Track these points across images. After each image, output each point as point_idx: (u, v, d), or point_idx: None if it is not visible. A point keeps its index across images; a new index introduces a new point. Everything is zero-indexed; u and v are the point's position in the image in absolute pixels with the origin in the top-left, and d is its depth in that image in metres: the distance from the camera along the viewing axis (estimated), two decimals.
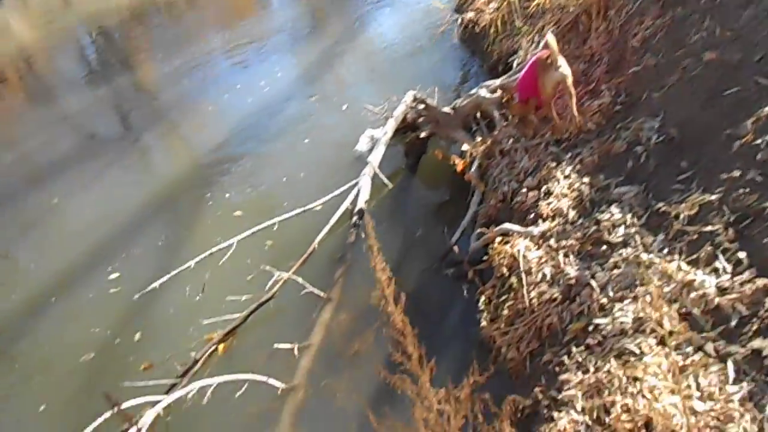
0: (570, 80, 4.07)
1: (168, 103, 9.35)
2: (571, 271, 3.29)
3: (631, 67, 4.21)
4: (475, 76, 7.31)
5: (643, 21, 4.33)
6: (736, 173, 2.99)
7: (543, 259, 3.48)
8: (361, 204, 5.18)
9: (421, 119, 5.54)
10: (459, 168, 4.53)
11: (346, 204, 5.20)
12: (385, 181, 5.33)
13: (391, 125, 5.77)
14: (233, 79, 9.34)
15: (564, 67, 4.05)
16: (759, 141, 2.96)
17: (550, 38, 3.98)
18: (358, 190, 5.28)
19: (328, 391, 3.81)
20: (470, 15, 7.92)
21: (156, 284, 4.73)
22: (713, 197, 3.00)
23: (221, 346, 4.35)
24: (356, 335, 4.29)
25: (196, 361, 4.22)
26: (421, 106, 5.46)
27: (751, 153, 2.98)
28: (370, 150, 5.83)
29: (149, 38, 12.93)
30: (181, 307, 4.83)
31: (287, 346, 4.13)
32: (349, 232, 5.00)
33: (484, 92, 5.08)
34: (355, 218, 5.08)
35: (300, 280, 4.43)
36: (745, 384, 2.29)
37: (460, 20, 8.04)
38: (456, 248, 4.19)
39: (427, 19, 9.00)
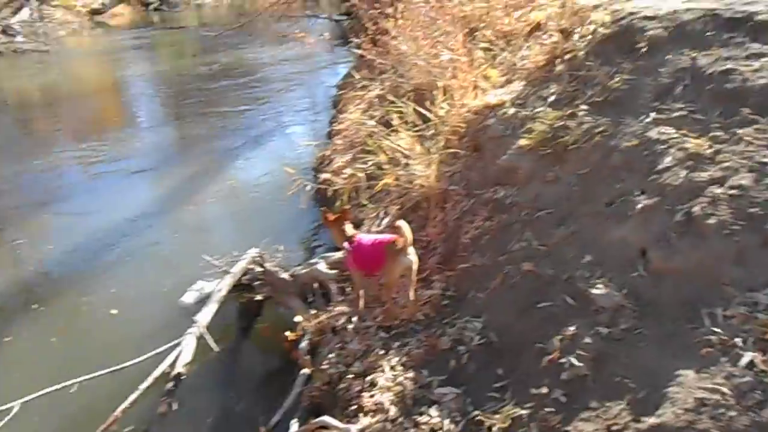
0: (415, 268, 4.17)
1: (5, 210, 8.34)
2: None
3: (460, 262, 4.43)
4: (326, 238, 7.40)
5: (473, 220, 4.67)
6: (544, 390, 3.09)
7: None
8: (179, 368, 4.71)
9: (258, 282, 5.35)
10: (288, 345, 4.32)
11: (164, 366, 4.70)
12: (212, 344, 4.94)
13: (227, 282, 5.51)
14: (78, 196, 8.68)
15: (412, 255, 4.16)
16: (563, 360, 3.12)
17: (403, 225, 4.11)
18: (180, 352, 4.83)
19: None
20: (326, 176, 8.19)
21: None
22: (523, 412, 3.06)
23: None
24: None
25: None
26: (260, 269, 5.29)
27: (557, 371, 3.12)
28: (198, 302, 5.48)
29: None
30: None
31: None
32: (160, 401, 4.46)
33: (322, 266, 5.07)
34: (170, 384, 4.58)
35: None
36: None
37: (316, 179, 8.27)
38: None
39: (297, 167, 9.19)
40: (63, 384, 4.34)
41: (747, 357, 2.51)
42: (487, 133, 5.21)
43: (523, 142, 4.67)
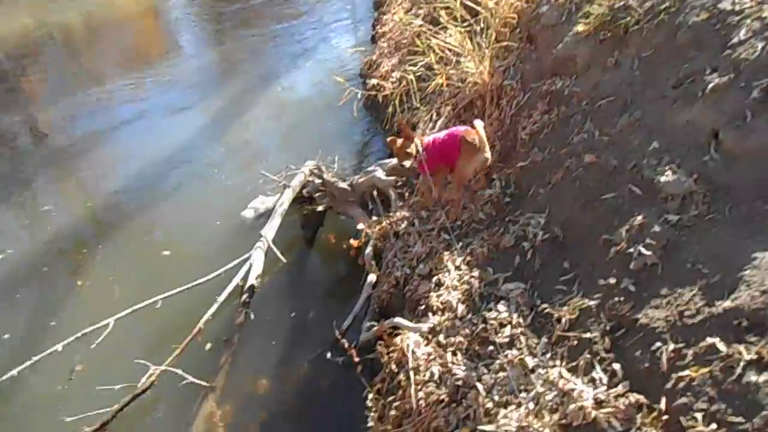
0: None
1: (63, 146, 8.67)
2: (459, 371, 3.25)
3: (520, 159, 4.36)
4: (378, 144, 7.39)
5: (531, 114, 4.53)
6: (612, 280, 3.10)
7: (432, 357, 3.43)
8: (252, 280, 4.97)
9: (318, 193, 5.45)
10: (353, 251, 4.45)
11: (237, 280, 4.97)
12: (279, 256, 5.15)
13: (287, 196, 5.66)
14: (134, 126, 8.89)
15: (487, 153, 4.17)
16: (631, 250, 3.09)
17: (479, 123, 4.10)
18: (250, 265, 5.08)
19: None
20: (373, 81, 8.05)
21: (14, 371, 4.22)
22: (592, 303, 3.09)
23: None
24: (241, 428, 4.04)
25: None
26: (318, 180, 5.38)
27: (625, 261, 3.10)
28: (258, 218, 5.68)
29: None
30: (42, 399, 4.34)
31: None
32: (237, 312, 4.75)
33: (380, 173, 5.10)
34: (245, 296, 4.86)
35: (179, 372, 4.10)
36: None
37: (364, 86, 8.14)
38: (346, 337, 4.07)
39: (345, 75, 9.07)
40: (148, 300, 4.67)
41: None
42: (541, 22, 4.94)
43: (579, 27, 4.42)
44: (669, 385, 2.48)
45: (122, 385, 4.14)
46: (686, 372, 2.45)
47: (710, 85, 3.32)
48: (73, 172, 7.80)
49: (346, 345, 3.69)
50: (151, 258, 5.76)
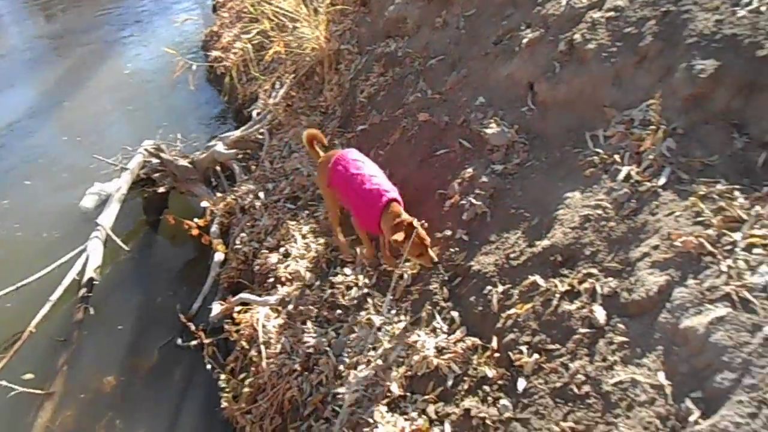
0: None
1: None
2: (310, 339, 3.23)
3: (359, 123, 4.37)
4: (222, 118, 7.08)
5: (368, 78, 4.55)
6: (448, 232, 3.21)
7: (282, 328, 3.37)
8: (90, 273, 4.58)
9: (157, 174, 5.12)
10: (195, 232, 4.22)
11: (73, 274, 4.55)
12: (120, 244, 4.78)
13: (125, 180, 5.26)
14: None
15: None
16: (463, 201, 3.22)
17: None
18: (87, 257, 4.67)
19: None
20: (216, 54, 7.67)
21: None
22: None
23: None
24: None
25: None
26: (156, 160, 5.04)
27: (458, 213, 3.23)
28: (100, 206, 5.24)
29: None
30: None
31: None
32: (75, 309, 4.36)
33: (220, 147, 4.88)
34: (83, 291, 4.46)
35: (3, 383, 3.68)
36: None
37: (207, 59, 7.74)
38: (197, 319, 3.89)
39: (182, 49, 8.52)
40: None
41: (624, 171, 2.66)
42: None
43: None
44: (499, 325, 2.63)
45: None
46: (513, 310, 2.61)
47: (525, 41, 3.50)
48: None
49: (193, 327, 3.52)
50: None
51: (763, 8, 2.55)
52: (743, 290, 1.97)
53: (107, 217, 4.96)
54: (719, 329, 1.95)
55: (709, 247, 2.15)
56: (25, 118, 7.50)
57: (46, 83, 8.40)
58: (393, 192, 3.11)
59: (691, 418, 1.88)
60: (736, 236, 2.14)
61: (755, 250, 2.06)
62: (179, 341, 4.04)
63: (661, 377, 2.03)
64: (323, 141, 3.66)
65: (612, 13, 3.11)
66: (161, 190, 5.16)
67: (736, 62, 2.52)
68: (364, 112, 4.40)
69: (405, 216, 2.94)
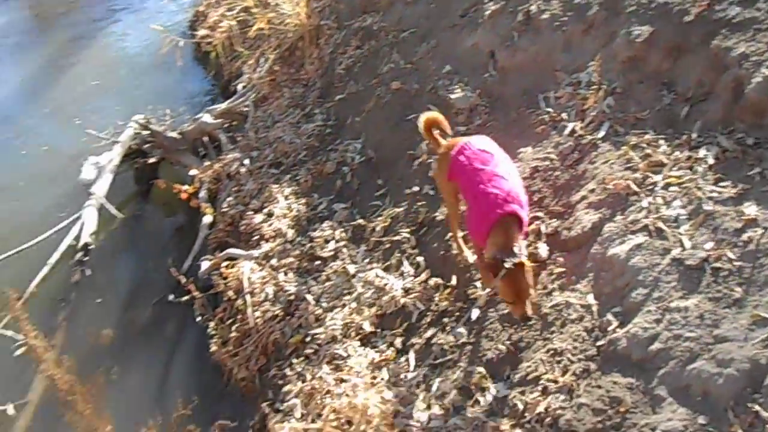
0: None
1: None
2: (291, 287, 3.53)
3: (338, 93, 4.64)
4: (210, 95, 7.30)
5: (346, 51, 4.81)
6: (416, 188, 3.52)
7: (266, 279, 3.67)
8: (85, 238, 4.85)
9: (147, 145, 5.38)
10: (184, 196, 4.51)
11: (69, 240, 4.82)
12: (114, 211, 5.05)
13: (117, 152, 5.51)
14: None
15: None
16: (430, 160, 3.52)
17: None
18: (82, 224, 4.94)
19: None
20: (203, 32, 7.86)
21: None
22: (400, 210, 3.50)
23: None
24: (86, 379, 4.03)
25: None
26: (146, 132, 5.30)
27: (425, 171, 3.53)
28: (95, 178, 5.49)
29: None
30: None
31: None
32: (72, 271, 4.64)
33: (207, 118, 5.14)
34: (79, 255, 4.74)
35: (9, 333, 3.97)
36: (420, 370, 2.73)
37: (194, 37, 7.93)
38: (186, 276, 4.17)
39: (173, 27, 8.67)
40: None
41: (570, 126, 2.96)
42: None
43: None
44: (454, 263, 2.95)
45: None
46: None
47: (487, 13, 3.79)
48: None
49: (184, 281, 3.81)
50: None
51: None
52: (659, 222, 2.30)
53: (101, 187, 5.22)
54: (637, 254, 2.27)
55: (635, 188, 2.47)
56: (16, 95, 7.67)
57: (33, 64, 8.52)
58: (516, 204, 2.40)
59: (610, 329, 2.21)
60: (657, 178, 2.45)
61: (671, 189, 2.38)
62: (171, 297, 4.32)
63: (590, 298, 2.35)
64: (445, 127, 2.89)
65: None
66: (152, 160, 5.42)
67: (666, 27, 2.82)
68: (342, 83, 4.67)
69: (518, 246, 2.28)
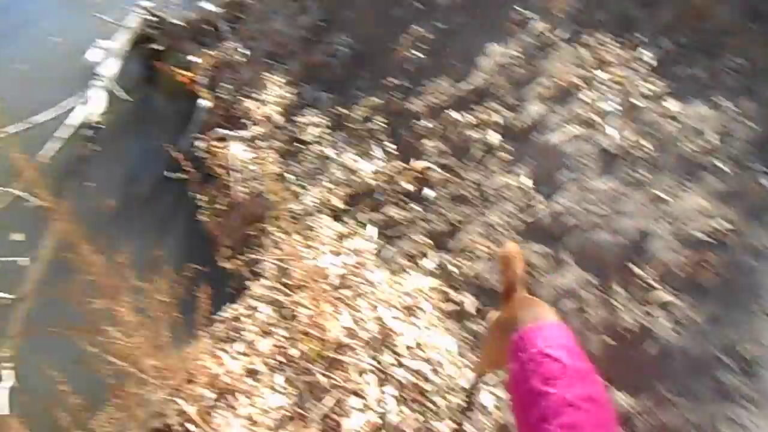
0: None
1: None
2: (274, 167, 3.84)
3: None
4: None
5: None
6: (396, 81, 3.72)
7: (252, 159, 3.97)
8: (95, 116, 5.15)
9: (152, 30, 5.55)
10: (185, 80, 4.74)
11: (80, 118, 5.13)
12: (122, 94, 5.31)
13: (124, 36, 5.69)
14: None
15: None
16: (410, 55, 3.70)
17: None
18: (92, 101, 5.22)
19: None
20: None
21: None
22: (378, 100, 3.72)
23: None
24: (92, 241, 4.44)
25: None
26: (152, 17, 5.45)
27: (406, 64, 3.72)
28: (102, 61, 5.71)
29: None
30: None
31: (13, 258, 4.14)
32: (80, 147, 4.97)
33: (207, 5, 5.27)
34: (87, 132, 5.05)
35: (19, 193, 4.36)
36: (379, 240, 3.07)
37: None
38: (181, 155, 4.47)
39: None
40: None
41: (537, 27, 3.13)
42: None
43: None
44: (420, 149, 3.22)
45: None
46: (428, 140, 3.19)
47: None
48: None
49: (177, 154, 4.11)
50: None
51: None
52: (593, 114, 2.53)
53: (107, 68, 5.45)
54: (570, 143, 2.53)
55: (579, 83, 2.68)
56: None
57: None
58: None
59: (538, 206, 2.50)
60: (603, 75, 2.66)
61: (612, 85, 2.59)
62: (165, 173, 4.65)
63: (525, 179, 2.63)
64: (517, 268, 1.97)
65: None
66: (157, 47, 5.59)
67: None
68: None
69: None
